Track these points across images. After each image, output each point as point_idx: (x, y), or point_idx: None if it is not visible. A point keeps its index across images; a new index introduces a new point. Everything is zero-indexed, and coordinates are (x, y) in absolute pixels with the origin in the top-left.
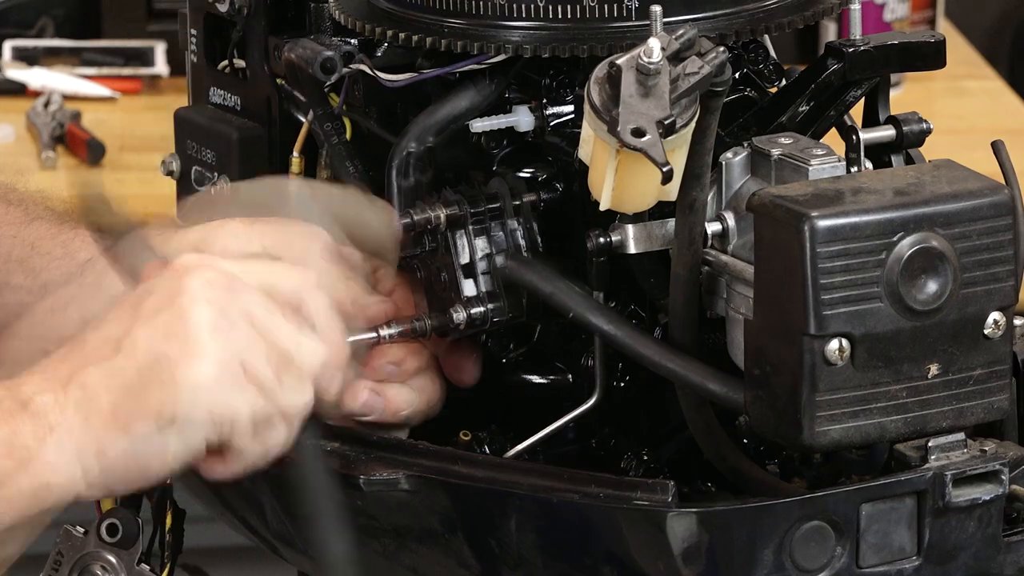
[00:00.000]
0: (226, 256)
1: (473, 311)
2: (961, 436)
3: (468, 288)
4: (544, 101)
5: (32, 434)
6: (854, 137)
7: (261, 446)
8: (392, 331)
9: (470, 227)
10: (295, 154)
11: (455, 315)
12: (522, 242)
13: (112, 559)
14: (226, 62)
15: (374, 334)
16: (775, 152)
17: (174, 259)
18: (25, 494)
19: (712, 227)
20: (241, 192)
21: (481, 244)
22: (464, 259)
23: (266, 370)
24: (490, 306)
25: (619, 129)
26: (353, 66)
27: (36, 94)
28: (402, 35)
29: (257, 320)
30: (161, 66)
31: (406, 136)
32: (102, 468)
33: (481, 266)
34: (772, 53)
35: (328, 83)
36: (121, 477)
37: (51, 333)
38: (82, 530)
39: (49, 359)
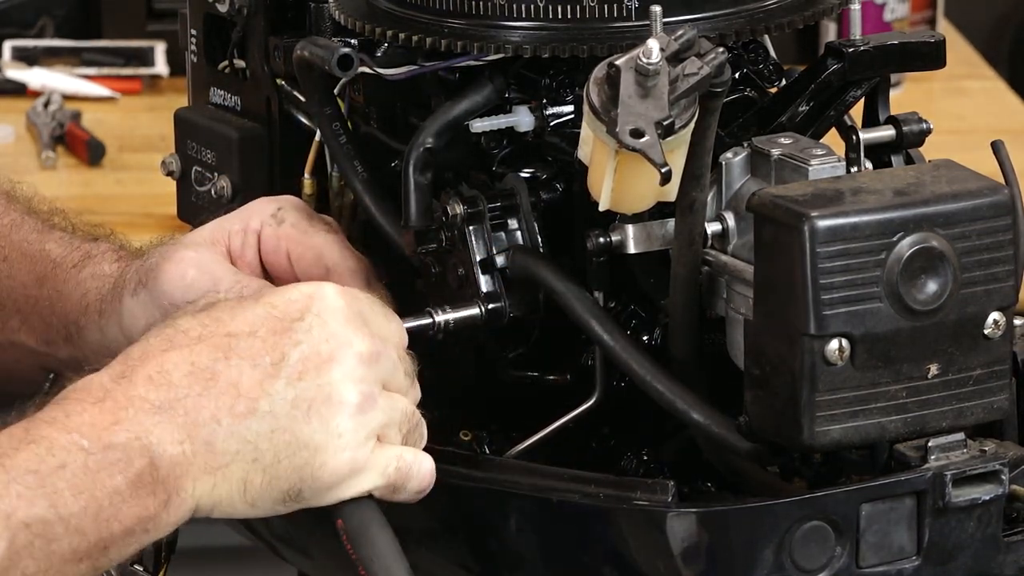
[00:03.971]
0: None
1: (491, 306)
2: (961, 436)
3: (485, 284)
4: (544, 101)
5: (161, 503)
6: (854, 137)
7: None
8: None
9: (487, 223)
10: (306, 176)
11: (473, 310)
12: (538, 239)
13: None
14: (226, 62)
15: None
16: (775, 152)
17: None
18: (137, 547)
19: (712, 227)
20: None
21: (498, 239)
22: (481, 255)
23: (398, 436)
24: (508, 301)
25: (618, 130)
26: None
27: (36, 94)
28: (402, 35)
29: (390, 383)
30: (161, 66)
31: (423, 132)
32: (212, 515)
33: (498, 261)
34: (772, 53)
35: (344, 80)
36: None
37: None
38: None
39: (168, 380)
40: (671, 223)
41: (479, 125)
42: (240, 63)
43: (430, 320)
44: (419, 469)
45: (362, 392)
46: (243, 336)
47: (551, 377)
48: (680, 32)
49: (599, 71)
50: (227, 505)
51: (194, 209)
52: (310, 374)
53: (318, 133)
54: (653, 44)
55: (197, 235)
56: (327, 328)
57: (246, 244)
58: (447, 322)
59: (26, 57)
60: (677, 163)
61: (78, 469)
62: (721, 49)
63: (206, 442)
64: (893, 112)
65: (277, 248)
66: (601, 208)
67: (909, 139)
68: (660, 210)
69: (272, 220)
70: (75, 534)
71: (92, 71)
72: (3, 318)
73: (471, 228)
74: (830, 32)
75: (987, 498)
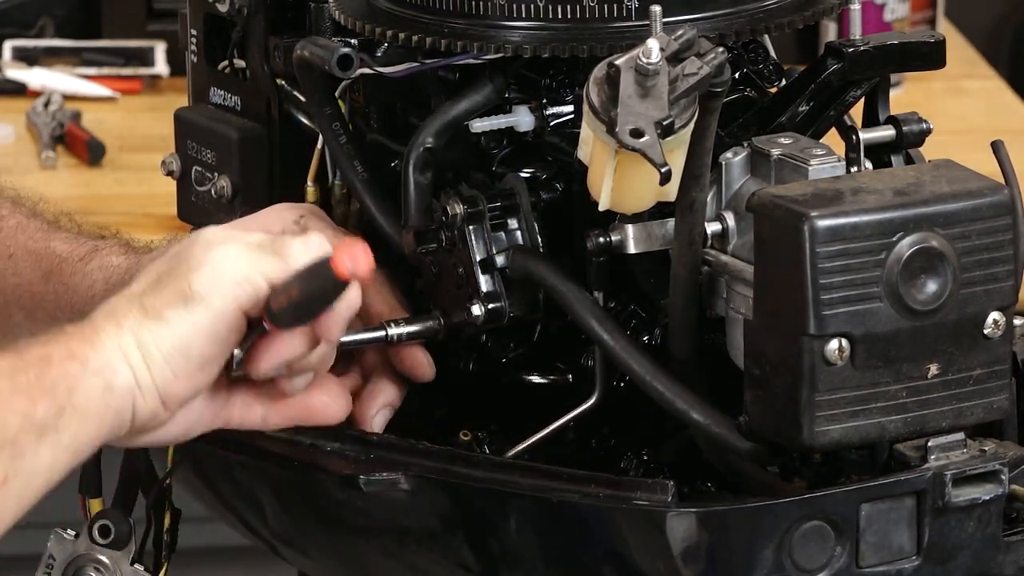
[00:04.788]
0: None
1: (491, 306)
2: (961, 436)
3: (485, 283)
4: (544, 101)
5: (85, 340)
6: (854, 137)
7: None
8: (402, 330)
9: (487, 222)
10: (309, 183)
11: (474, 310)
12: (538, 239)
13: (105, 560)
14: (226, 62)
15: (382, 332)
16: (775, 152)
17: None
18: (94, 397)
19: (712, 227)
20: None
21: (498, 239)
22: (481, 254)
23: (278, 241)
24: (507, 301)
25: (618, 130)
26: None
27: (36, 94)
28: (402, 35)
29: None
30: (161, 66)
31: (423, 132)
32: (148, 364)
33: (498, 261)
34: (772, 53)
35: (347, 82)
36: (173, 371)
37: None
38: (73, 533)
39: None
40: (671, 223)
41: (479, 125)
42: (240, 63)
43: (383, 333)
44: (303, 240)
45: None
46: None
47: (551, 377)
48: (680, 32)
49: (599, 71)
50: (145, 332)
51: (194, 209)
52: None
53: (320, 140)
54: (653, 44)
55: None
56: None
57: None
58: (400, 335)
59: (26, 57)
60: (677, 163)
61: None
62: (721, 49)
63: (111, 308)
64: (893, 112)
65: None
66: (601, 208)
67: (909, 139)
68: (660, 210)
69: (294, 227)
70: (8, 375)
71: (92, 71)
72: (7, 315)
73: (471, 228)
74: (830, 32)
75: (987, 498)
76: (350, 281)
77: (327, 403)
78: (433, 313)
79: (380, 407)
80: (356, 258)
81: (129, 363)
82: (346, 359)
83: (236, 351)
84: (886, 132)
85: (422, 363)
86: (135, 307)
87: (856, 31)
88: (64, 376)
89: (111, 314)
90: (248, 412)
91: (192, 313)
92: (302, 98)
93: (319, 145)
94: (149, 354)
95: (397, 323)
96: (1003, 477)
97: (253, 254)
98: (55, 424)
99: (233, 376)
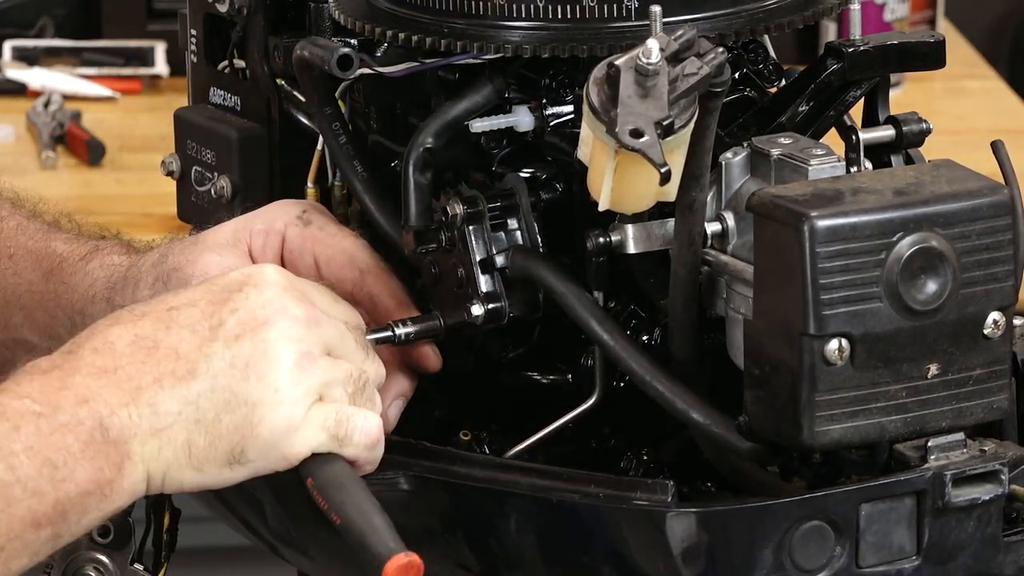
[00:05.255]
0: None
1: (491, 306)
2: (961, 436)
3: (485, 283)
4: (544, 101)
5: (114, 465)
6: (854, 137)
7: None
8: (408, 330)
9: (487, 222)
10: (309, 184)
11: (474, 310)
12: (538, 239)
13: (105, 560)
14: (226, 62)
15: (390, 332)
16: (775, 152)
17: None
18: (96, 516)
19: (712, 227)
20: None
21: (498, 239)
22: (481, 254)
23: (343, 396)
24: (507, 301)
25: (617, 130)
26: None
27: (36, 94)
28: (402, 35)
29: (335, 349)
30: (161, 66)
31: (423, 132)
32: (165, 488)
33: (498, 261)
34: (772, 53)
35: (347, 80)
36: (177, 491)
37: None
38: None
39: (112, 349)
40: (671, 223)
41: (479, 125)
42: (240, 63)
43: (390, 333)
44: (363, 422)
45: (299, 351)
46: (183, 308)
47: (551, 377)
48: (680, 32)
49: (599, 71)
50: (175, 471)
51: (194, 209)
52: (247, 335)
53: (320, 141)
54: (653, 44)
55: (219, 235)
56: (263, 295)
57: (268, 245)
58: (408, 335)
59: (26, 57)
60: (677, 163)
61: (31, 431)
62: (721, 49)
63: (149, 404)
64: (893, 112)
65: (302, 249)
66: (601, 208)
67: (909, 139)
68: (660, 210)
69: (298, 221)
70: (33, 496)
71: (92, 71)
72: (7, 315)
73: (471, 228)
74: (830, 32)
75: (987, 498)
76: None
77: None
78: (433, 313)
79: (393, 398)
80: None
81: (149, 484)
82: None
83: None
84: (886, 132)
85: (428, 355)
86: (178, 445)
87: (856, 31)
88: (82, 508)
89: (154, 431)
90: None
91: (232, 472)
92: (302, 98)
93: (319, 146)
94: (170, 484)
95: (404, 323)
96: (1003, 477)
97: (320, 434)
98: (54, 542)
99: None
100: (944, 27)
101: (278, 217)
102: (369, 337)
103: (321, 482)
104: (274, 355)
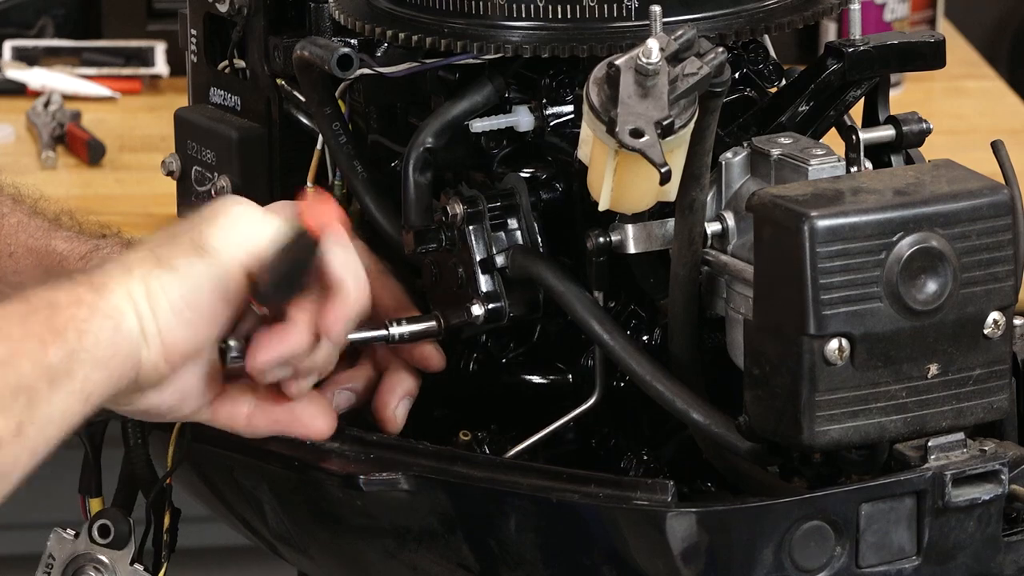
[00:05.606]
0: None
1: (491, 306)
2: (961, 436)
3: (485, 284)
4: (544, 101)
5: (91, 288)
6: (854, 137)
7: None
8: (403, 330)
9: (487, 222)
10: (309, 184)
11: (474, 310)
12: (538, 239)
13: (105, 560)
14: (226, 62)
15: (384, 331)
16: (775, 152)
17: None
18: (103, 340)
19: (712, 227)
20: None
21: (498, 239)
22: (481, 254)
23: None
24: (507, 301)
25: (617, 130)
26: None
27: (36, 94)
28: (402, 35)
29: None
30: (161, 66)
31: (423, 132)
32: (155, 310)
33: (498, 261)
34: (772, 53)
35: (346, 80)
36: (177, 320)
37: None
38: (72, 532)
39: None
40: (671, 223)
41: (479, 125)
42: (240, 63)
43: (384, 332)
44: None
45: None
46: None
47: (551, 377)
48: (680, 32)
49: (599, 71)
50: (154, 279)
51: (194, 209)
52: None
53: (319, 141)
54: (653, 44)
55: None
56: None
57: None
58: (402, 335)
59: (26, 57)
60: (677, 163)
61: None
62: (721, 49)
63: (119, 263)
64: (893, 112)
65: None
66: (601, 208)
67: (909, 139)
68: (660, 210)
69: None
70: (18, 320)
71: (92, 71)
72: None
73: (471, 228)
74: (830, 32)
75: (987, 498)
76: (320, 236)
77: (315, 416)
78: (433, 313)
79: (400, 398)
80: (322, 212)
81: (136, 309)
82: (355, 353)
83: (232, 342)
84: (886, 132)
85: (432, 354)
86: (148, 257)
87: (856, 31)
88: (73, 320)
89: (122, 262)
90: (236, 409)
91: (202, 263)
92: (302, 98)
93: (319, 145)
94: (156, 301)
95: (399, 322)
96: (1003, 477)
97: (265, 215)
98: (67, 369)
99: (227, 369)
100: (944, 27)
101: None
102: (363, 335)
103: None
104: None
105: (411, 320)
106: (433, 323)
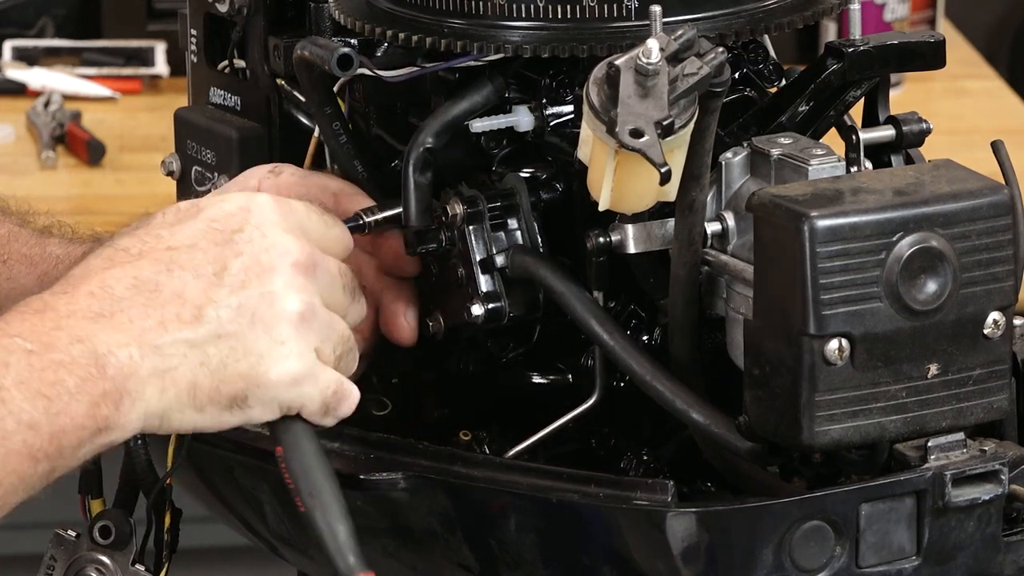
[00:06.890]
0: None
1: (491, 306)
2: (961, 436)
3: (485, 283)
4: (544, 101)
5: (111, 402)
6: (854, 137)
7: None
8: (376, 217)
9: (487, 222)
10: None
11: (474, 310)
12: (538, 239)
13: (106, 561)
14: (226, 62)
15: (359, 221)
16: (775, 152)
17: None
18: (92, 449)
19: (712, 227)
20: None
21: (498, 239)
22: (481, 254)
23: (334, 355)
24: (507, 301)
25: (617, 130)
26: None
27: (36, 94)
28: (402, 35)
29: (327, 296)
30: (161, 66)
31: (423, 132)
32: (163, 427)
33: (498, 261)
34: (772, 53)
35: (345, 80)
36: (175, 431)
37: None
38: (74, 533)
39: (111, 293)
40: (671, 223)
41: (479, 125)
42: (240, 63)
43: (360, 221)
44: (351, 394)
45: (303, 302)
46: (184, 249)
47: (551, 377)
48: (680, 32)
49: (599, 71)
50: (177, 411)
51: None
52: (253, 283)
53: (315, 132)
54: (653, 44)
55: None
56: (267, 239)
57: None
58: (375, 222)
59: (26, 57)
60: (677, 163)
61: (22, 367)
62: (721, 49)
63: (153, 346)
64: (893, 112)
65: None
66: (601, 208)
67: (909, 139)
68: (660, 210)
69: (270, 175)
70: (27, 429)
71: (92, 71)
72: None
73: (471, 228)
74: (830, 32)
75: (987, 498)
76: None
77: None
78: (433, 313)
79: (405, 306)
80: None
81: (145, 424)
82: None
83: None
84: (886, 132)
85: (402, 326)
86: (183, 387)
87: (856, 31)
88: (78, 441)
89: (157, 374)
90: None
91: (230, 416)
92: (302, 98)
93: (314, 137)
94: (168, 424)
95: (371, 211)
96: (1003, 477)
97: (317, 397)
98: (46, 478)
99: None
100: (944, 27)
101: (250, 177)
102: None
103: (291, 459)
104: (280, 307)
105: (381, 207)
106: (400, 210)
